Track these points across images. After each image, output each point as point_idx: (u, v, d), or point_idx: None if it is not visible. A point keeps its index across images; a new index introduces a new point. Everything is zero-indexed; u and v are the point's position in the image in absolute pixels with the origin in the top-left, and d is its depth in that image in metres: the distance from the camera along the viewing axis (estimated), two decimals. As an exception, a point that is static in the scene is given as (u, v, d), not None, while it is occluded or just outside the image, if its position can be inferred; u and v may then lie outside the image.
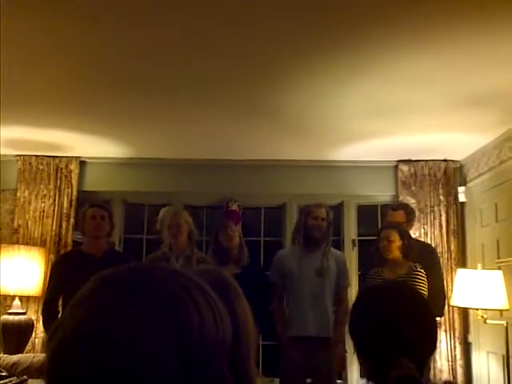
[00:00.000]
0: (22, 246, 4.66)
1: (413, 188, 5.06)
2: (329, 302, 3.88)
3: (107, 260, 3.61)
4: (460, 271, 4.01)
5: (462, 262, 4.87)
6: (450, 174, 5.05)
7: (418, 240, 4.53)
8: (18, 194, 5.11)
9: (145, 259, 3.79)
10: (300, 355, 3.78)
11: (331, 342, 3.81)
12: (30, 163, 5.16)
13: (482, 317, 3.79)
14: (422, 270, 3.55)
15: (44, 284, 4.52)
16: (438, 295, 3.86)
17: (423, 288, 3.44)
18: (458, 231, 4.96)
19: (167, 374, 0.61)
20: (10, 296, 4.51)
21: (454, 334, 4.76)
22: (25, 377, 3.44)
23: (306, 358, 3.78)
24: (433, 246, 4.70)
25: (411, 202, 4.93)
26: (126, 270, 0.69)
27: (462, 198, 4.95)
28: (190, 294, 0.67)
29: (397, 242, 3.66)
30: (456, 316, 4.78)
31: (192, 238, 3.72)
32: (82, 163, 5.26)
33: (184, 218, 3.75)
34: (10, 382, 3.28)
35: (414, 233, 4.71)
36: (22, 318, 4.39)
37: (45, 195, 5.12)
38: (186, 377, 0.63)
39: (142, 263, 0.73)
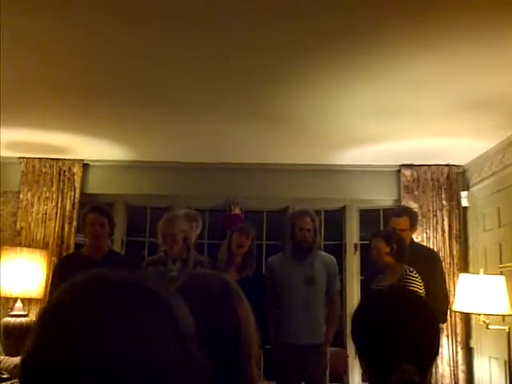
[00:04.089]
0: (24, 249, 4.66)
1: (415, 192, 5.06)
2: (319, 309, 3.92)
3: (107, 263, 3.62)
4: (462, 276, 4.00)
5: (465, 267, 4.86)
6: (452, 179, 5.04)
7: (421, 245, 4.51)
8: (21, 197, 5.12)
9: (143, 263, 3.77)
10: (292, 359, 3.84)
11: (322, 345, 3.86)
12: (32, 165, 5.17)
13: (484, 322, 3.78)
14: (414, 273, 3.51)
15: (46, 286, 4.53)
16: (441, 301, 3.84)
17: (417, 290, 3.40)
18: (461, 236, 4.95)
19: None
20: (11, 298, 4.51)
21: (456, 339, 4.75)
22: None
23: (298, 362, 3.84)
24: (436, 251, 4.68)
25: (413, 206, 4.92)
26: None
27: (464, 202, 4.94)
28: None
29: (384, 249, 3.62)
30: (458, 321, 4.77)
31: (188, 243, 3.70)
32: (85, 166, 5.27)
33: (178, 227, 3.68)
34: (11, 384, 3.28)
35: (417, 237, 4.70)
36: (24, 320, 4.39)
37: (47, 198, 5.13)
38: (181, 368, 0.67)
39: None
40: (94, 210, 3.82)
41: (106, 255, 3.78)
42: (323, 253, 4.16)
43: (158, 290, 0.72)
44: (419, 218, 4.79)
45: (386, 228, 4.10)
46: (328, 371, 3.92)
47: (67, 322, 0.64)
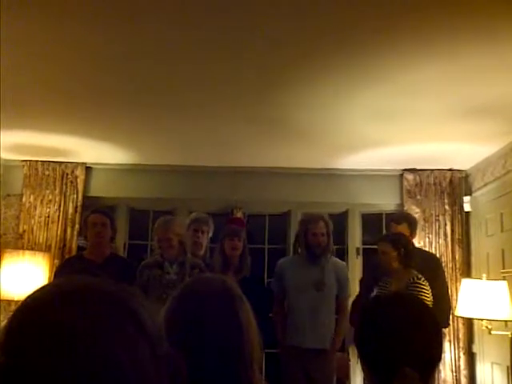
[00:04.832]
0: (26, 251, 4.66)
1: (418, 197, 5.05)
2: (327, 314, 3.90)
3: (108, 266, 3.63)
4: (465, 281, 3.99)
5: (467, 272, 4.86)
6: (455, 184, 5.04)
7: (422, 250, 4.50)
8: (24, 199, 5.13)
9: (140, 265, 3.75)
10: (298, 364, 3.83)
11: (329, 351, 3.85)
12: (35, 168, 5.18)
13: (487, 327, 3.77)
14: (422, 280, 3.47)
15: (48, 289, 4.53)
16: (443, 306, 3.82)
17: (425, 298, 3.38)
18: (463, 241, 4.94)
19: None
20: (14, 301, 4.51)
21: (458, 344, 4.74)
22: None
23: (305, 367, 3.83)
24: (437, 255, 4.67)
25: (416, 211, 4.92)
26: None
27: (467, 207, 4.94)
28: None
29: (391, 254, 3.56)
30: (460, 326, 4.76)
31: (184, 246, 3.68)
32: (88, 169, 5.28)
33: (174, 231, 3.63)
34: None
35: (419, 242, 4.70)
36: (26, 323, 4.38)
37: (50, 201, 5.14)
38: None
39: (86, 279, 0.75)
40: (95, 211, 3.89)
41: (108, 258, 3.79)
42: (336, 258, 4.10)
43: (121, 294, 0.73)
44: (422, 222, 4.80)
45: (393, 232, 4.05)
46: (335, 378, 3.91)
47: (30, 336, 0.65)
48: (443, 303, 3.85)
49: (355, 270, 5.18)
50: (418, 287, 3.42)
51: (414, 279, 3.47)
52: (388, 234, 3.95)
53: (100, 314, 0.69)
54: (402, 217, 4.29)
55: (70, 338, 0.64)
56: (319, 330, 3.84)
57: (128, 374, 0.65)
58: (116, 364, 0.65)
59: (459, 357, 4.73)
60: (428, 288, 3.45)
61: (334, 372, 3.90)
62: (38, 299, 0.71)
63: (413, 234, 4.10)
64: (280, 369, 3.97)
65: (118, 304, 0.72)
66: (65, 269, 3.85)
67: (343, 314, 4.00)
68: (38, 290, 0.73)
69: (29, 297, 0.71)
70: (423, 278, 3.48)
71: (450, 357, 4.72)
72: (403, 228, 4.03)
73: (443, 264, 4.62)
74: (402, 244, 3.61)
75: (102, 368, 0.64)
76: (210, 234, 4.20)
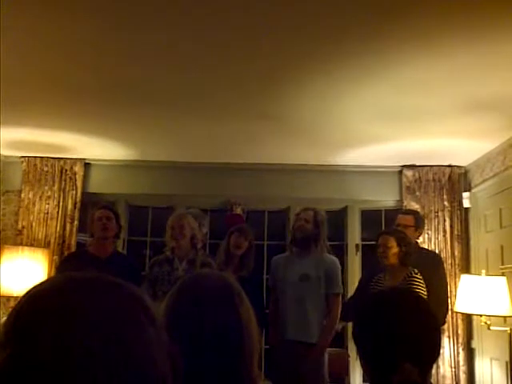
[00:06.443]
0: (25, 248, 4.66)
1: (417, 193, 5.06)
2: (311, 307, 3.79)
3: (112, 262, 3.63)
4: (464, 277, 3.99)
5: (466, 268, 4.86)
6: (454, 180, 5.04)
7: (424, 248, 4.48)
8: (23, 196, 5.13)
9: (148, 262, 3.78)
10: (287, 358, 3.77)
11: (316, 347, 3.75)
12: (34, 165, 5.17)
13: (486, 323, 3.77)
14: (418, 275, 3.49)
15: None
16: (441, 305, 3.81)
17: (421, 292, 3.37)
18: (462, 237, 4.94)
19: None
20: (13, 297, 4.51)
21: (457, 339, 4.75)
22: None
23: (294, 362, 3.75)
24: (439, 255, 4.63)
25: (415, 207, 4.92)
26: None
27: (466, 203, 4.94)
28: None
29: (394, 249, 3.55)
30: (459, 322, 4.76)
31: (195, 243, 3.71)
32: (87, 165, 5.27)
33: (188, 222, 3.73)
34: None
35: (418, 238, 4.69)
36: (25, 319, 4.38)
37: (49, 197, 5.13)
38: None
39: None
40: (102, 206, 3.91)
41: (112, 255, 3.80)
42: (327, 254, 4.03)
43: (130, 286, 0.75)
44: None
45: (398, 224, 4.06)
46: (326, 373, 3.83)
47: (43, 322, 0.65)
48: (440, 302, 3.83)
49: (354, 266, 5.19)
50: (415, 281, 3.45)
51: (411, 274, 3.50)
52: (393, 228, 3.91)
53: (110, 299, 0.70)
54: (409, 210, 4.47)
55: (83, 321, 0.65)
56: (303, 323, 3.76)
57: (140, 356, 0.67)
58: (128, 345, 0.66)
59: (458, 352, 4.74)
60: (423, 282, 3.46)
61: (324, 368, 3.77)
62: (47, 289, 0.71)
63: (418, 228, 4.10)
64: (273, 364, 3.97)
65: (129, 293, 0.73)
66: (68, 262, 3.86)
67: (333, 311, 3.83)
68: (45, 281, 0.73)
69: (35, 287, 0.72)
70: (419, 273, 3.50)
71: (449, 352, 4.72)
72: (409, 218, 4.08)
73: (443, 261, 4.62)
74: (405, 242, 3.60)
75: (115, 349, 0.65)
76: (205, 231, 4.21)
